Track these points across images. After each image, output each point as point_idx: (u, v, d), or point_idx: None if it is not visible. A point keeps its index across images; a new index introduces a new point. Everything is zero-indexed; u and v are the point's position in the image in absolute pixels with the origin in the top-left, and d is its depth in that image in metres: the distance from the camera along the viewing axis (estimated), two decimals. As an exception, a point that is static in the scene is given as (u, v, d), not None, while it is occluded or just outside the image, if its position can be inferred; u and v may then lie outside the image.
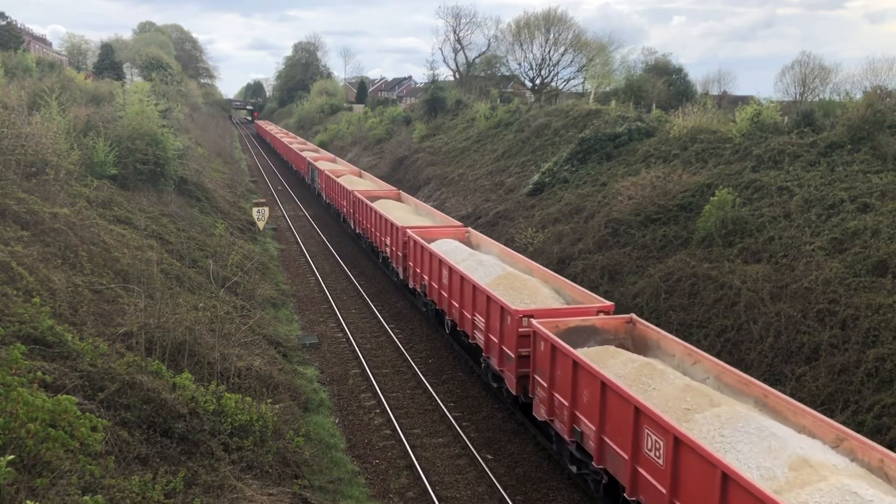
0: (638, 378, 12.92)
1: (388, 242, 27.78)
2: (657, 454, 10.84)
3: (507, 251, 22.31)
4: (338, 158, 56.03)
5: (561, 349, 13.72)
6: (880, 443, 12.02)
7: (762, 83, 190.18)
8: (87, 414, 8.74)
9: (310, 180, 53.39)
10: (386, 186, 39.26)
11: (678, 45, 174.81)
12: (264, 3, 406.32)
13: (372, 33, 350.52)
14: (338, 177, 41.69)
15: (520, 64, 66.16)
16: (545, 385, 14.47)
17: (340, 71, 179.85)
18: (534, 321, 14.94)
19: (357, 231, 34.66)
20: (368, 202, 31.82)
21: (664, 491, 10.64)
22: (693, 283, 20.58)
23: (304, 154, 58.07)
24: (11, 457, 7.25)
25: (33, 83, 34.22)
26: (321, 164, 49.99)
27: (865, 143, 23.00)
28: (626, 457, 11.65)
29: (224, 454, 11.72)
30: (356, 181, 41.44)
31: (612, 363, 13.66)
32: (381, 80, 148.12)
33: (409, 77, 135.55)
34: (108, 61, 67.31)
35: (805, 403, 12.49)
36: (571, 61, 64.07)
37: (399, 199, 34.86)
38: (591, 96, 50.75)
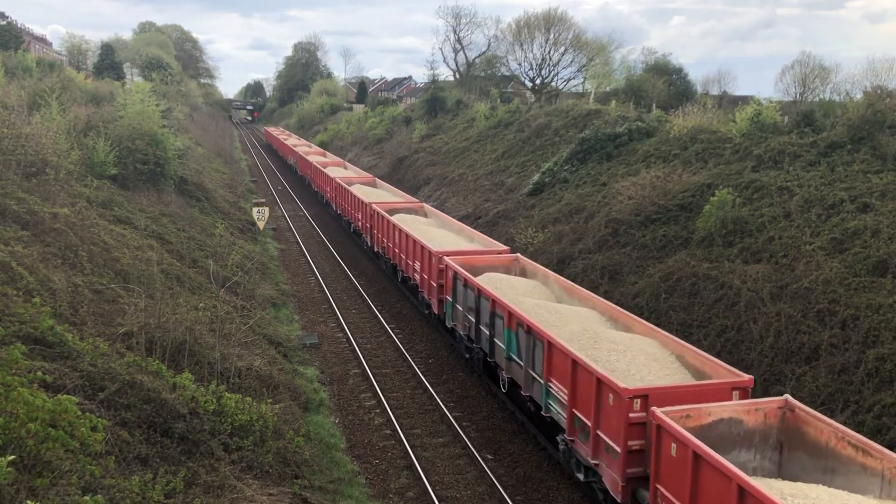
0: None
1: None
2: None
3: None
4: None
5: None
6: (880, 443, 11.99)
7: (762, 83, 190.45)
8: (87, 414, 8.74)
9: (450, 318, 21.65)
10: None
11: (678, 45, 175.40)
12: (264, 3, 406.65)
13: (372, 33, 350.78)
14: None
15: (520, 64, 66.13)
16: None
17: (340, 71, 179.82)
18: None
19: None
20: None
21: None
22: (693, 283, 20.58)
23: (400, 222, 26.82)
24: (12, 457, 7.24)
25: (33, 83, 34.19)
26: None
27: (865, 143, 23.01)
28: None
29: (224, 454, 11.73)
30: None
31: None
32: (382, 80, 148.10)
33: (409, 77, 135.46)
34: (109, 61, 67.30)
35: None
36: (571, 61, 64.04)
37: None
38: (592, 96, 50.75)
